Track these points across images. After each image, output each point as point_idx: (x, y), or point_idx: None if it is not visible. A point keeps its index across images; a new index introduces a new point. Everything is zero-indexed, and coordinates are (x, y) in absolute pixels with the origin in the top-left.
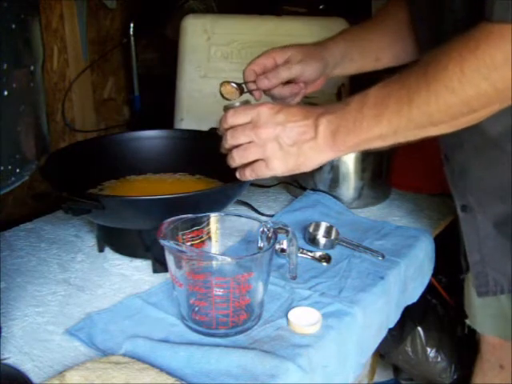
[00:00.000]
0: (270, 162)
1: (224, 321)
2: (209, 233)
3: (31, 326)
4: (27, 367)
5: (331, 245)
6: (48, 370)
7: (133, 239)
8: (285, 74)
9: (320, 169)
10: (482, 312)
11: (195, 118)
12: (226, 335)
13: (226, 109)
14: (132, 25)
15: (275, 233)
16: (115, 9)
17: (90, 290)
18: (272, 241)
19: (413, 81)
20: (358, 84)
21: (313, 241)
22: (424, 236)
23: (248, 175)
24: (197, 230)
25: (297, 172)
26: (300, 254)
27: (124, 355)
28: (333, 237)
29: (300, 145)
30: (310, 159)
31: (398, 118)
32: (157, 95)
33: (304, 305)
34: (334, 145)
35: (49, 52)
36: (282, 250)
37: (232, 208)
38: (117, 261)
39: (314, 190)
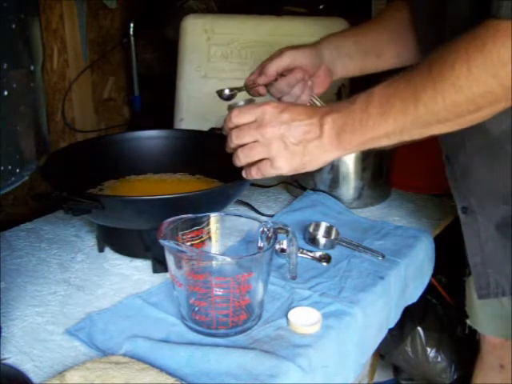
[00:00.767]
0: (276, 161)
1: (224, 321)
2: (209, 233)
3: (31, 325)
4: (27, 367)
5: (331, 245)
6: (48, 370)
7: (133, 239)
8: (277, 62)
9: (320, 169)
10: (482, 312)
11: (195, 118)
12: (225, 335)
13: (231, 108)
14: (132, 25)
15: (275, 233)
16: (115, 9)
17: (90, 289)
18: (272, 241)
19: (418, 80)
20: (358, 84)
21: (313, 241)
22: (424, 236)
23: (254, 174)
24: (197, 230)
25: (302, 171)
26: (300, 254)
27: (124, 355)
28: (333, 237)
29: (305, 144)
30: (315, 158)
31: (403, 117)
32: (157, 95)
33: (304, 305)
34: (339, 144)
35: (49, 52)
36: (282, 250)
37: (232, 208)
38: (117, 261)
39: (314, 189)
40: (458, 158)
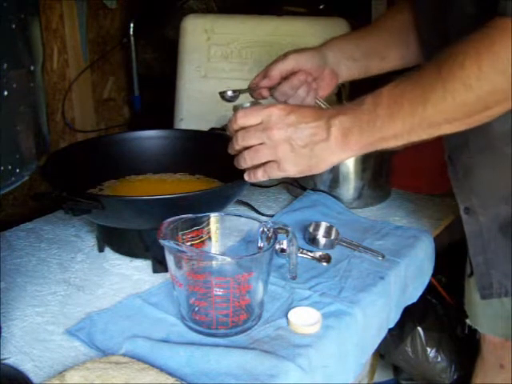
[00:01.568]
0: (282, 163)
1: (224, 321)
2: (209, 233)
3: (31, 325)
4: (27, 367)
5: (331, 245)
6: (48, 370)
7: (133, 239)
8: (281, 65)
9: None
10: (482, 311)
11: (195, 118)
12: (225, 335)
13: (236, 109)
14: (132, 25)
15: (275, 233)
16: (115, 9)
17: (90, 289)
18: (272, 241)
19: (427, 80)
20: (358, 85)
21: (313, 241)
22: (424, 236)
23: (260, 176)
24: (197, 230)
25: (309, 173)
26: (300, 254)
27: (124, 355)
28: (333, 237)
29: (312, 146)
30: (321, 160)
31: (412, 118)
32: (157, 95)
33: (304, 305)
34: (347, 145)
35: (49, 52)
36: (282, 250)
37: (232, 208)
38: (117, 261)
39: (314, 190)
40: (460, 158)
